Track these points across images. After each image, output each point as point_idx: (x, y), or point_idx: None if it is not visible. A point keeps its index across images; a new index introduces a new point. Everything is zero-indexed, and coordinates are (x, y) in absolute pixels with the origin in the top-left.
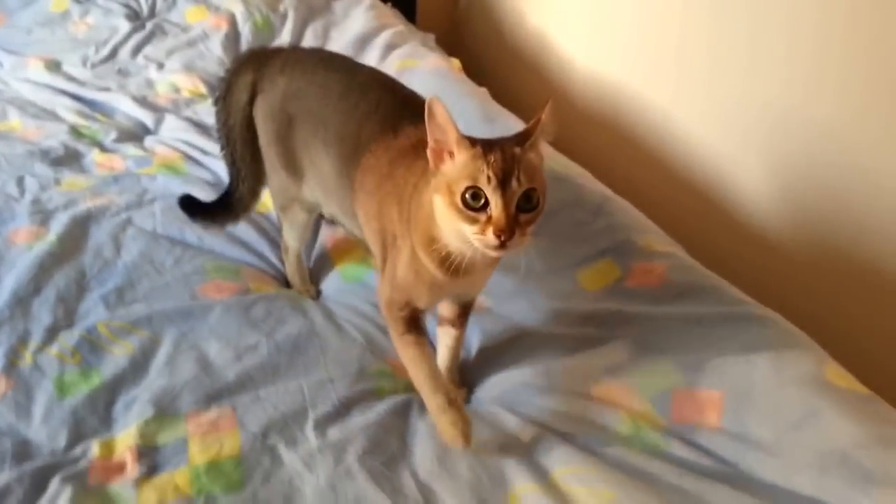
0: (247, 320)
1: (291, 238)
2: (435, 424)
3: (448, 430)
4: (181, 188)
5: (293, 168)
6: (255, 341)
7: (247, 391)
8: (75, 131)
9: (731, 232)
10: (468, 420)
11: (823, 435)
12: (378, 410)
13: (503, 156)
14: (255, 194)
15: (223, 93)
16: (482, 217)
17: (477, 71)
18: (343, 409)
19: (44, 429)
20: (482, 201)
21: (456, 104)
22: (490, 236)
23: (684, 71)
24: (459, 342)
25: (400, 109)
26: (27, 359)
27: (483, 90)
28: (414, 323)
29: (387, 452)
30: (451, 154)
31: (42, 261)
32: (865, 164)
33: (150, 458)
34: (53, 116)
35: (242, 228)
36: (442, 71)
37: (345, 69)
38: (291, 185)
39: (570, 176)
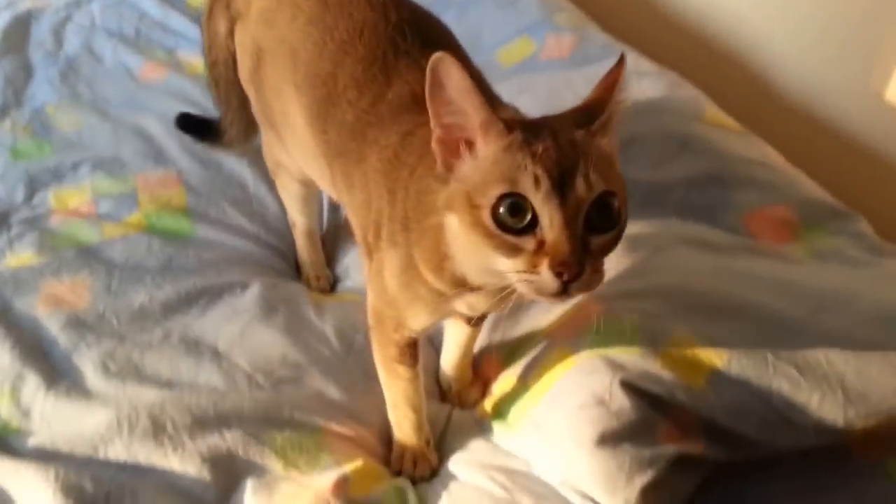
0: (184, 97)
1: (293, 211)
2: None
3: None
4: None
5: (270, 122)
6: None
7: (191, 159)
8: None
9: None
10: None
11: (689, 165)
12: None
13: (557, 143)
14: (247, 138)
15: (206, 15)
16: (528, 244)
17: None
18: None
19: (1, 187)
20: (528, 218)
21: None
22: (546, 275)
23: None
24: (473, 339)
25: (396, 38)
26: None
27: None
28: (409, 350)
29: None
30: (471, 146)
31: None
32: None
33: (104, 206)
34: None
35: None
36: None
37: None
38: (274, 143)
39: None
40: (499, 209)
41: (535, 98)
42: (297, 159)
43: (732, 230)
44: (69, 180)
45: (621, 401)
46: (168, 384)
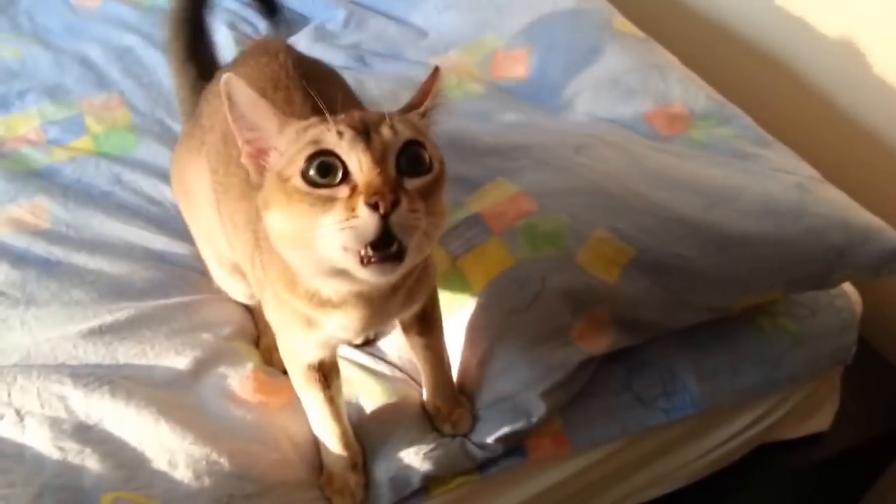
0: (122, 24)
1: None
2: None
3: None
4: None
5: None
6: (131, 43)
7: (133, 81)
8: None
9: None
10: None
11: (602, 66)
12: None
13: (359, 113)
14: None
15: None
16: (342, 192)
17: None
18: None
19: None
20: (339, 175)
21: None
22: (363, 213)
23: None
24: (437, 350)
25: (279, 74)
26: None
27: None
28: (313, 374)
29: None
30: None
31: None
32: None
33: (53, 132)
34: None
35: None
36: None
37: None
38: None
39: None
40: (308, 171)
41: None
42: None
43: (637, 127)
44: (17, 108)
45: (548, 307)
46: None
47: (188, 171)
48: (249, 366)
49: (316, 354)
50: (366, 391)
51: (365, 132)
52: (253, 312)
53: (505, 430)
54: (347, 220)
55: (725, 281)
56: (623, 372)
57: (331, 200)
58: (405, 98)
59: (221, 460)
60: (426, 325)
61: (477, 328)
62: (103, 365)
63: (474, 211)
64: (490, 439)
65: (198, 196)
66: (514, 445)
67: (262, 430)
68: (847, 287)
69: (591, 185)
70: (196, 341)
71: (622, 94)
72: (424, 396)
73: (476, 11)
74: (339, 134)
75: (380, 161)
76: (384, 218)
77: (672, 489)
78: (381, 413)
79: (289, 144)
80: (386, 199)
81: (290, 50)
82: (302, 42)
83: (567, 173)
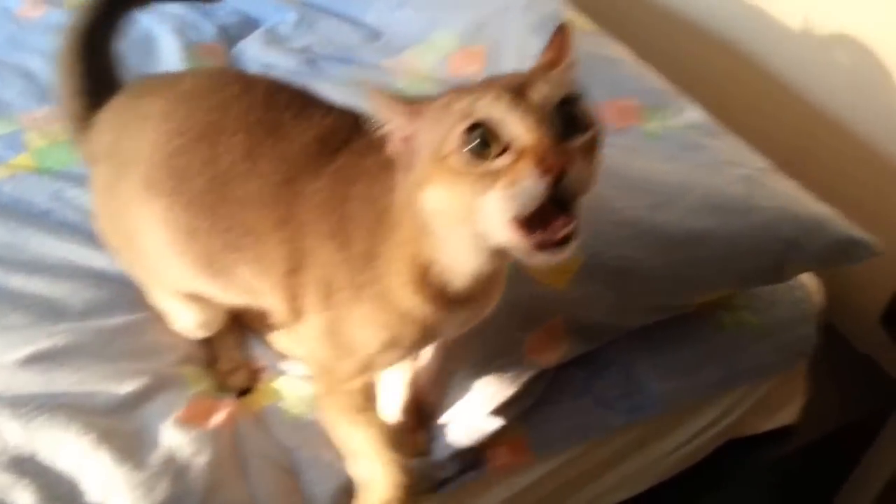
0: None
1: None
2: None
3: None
4: None
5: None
6: None
7: None
8: None
9: None
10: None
11: None
12: None
13: (504, 77)
14: None
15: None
16: (507, 160)
17: None
18: None
19: None
20: (500, 144)
21: None
22: (530, 179)
23: None
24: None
25: (270, 99)
26: None
27: None
28: (369, 393)
29: None
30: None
31: None
32: None
33: None
34: None
35: None
36: None
37: None
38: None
39: None
40: (467, 145)
41: None
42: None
43: None
44: None
45: (497, 323)
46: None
47: (126, 214)
48: (195, 391)
49: (397, 362)
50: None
51: (520, 92)
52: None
53: (459, 447)
54: (515, 186)
55: (675, 281)
56: (583, 375)
57: (495, 173)
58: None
59: (160, 485)
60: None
61: (427, 348)
62: (41, 394)
63: None
64: (445, 457)
65: (145, 233)
66: (471, 461)
67: (204, 453)
68: (805, 278)
69: None
70: (140, 367)
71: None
72: (392, 420)
73: (429, 9)
74: (496, 98)
75: (543, 120)
76: (557, 181)
77: (643, 488)
78: None
79: (433, 125)
80: (557, 161)
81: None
82: (252, 47)
83: None
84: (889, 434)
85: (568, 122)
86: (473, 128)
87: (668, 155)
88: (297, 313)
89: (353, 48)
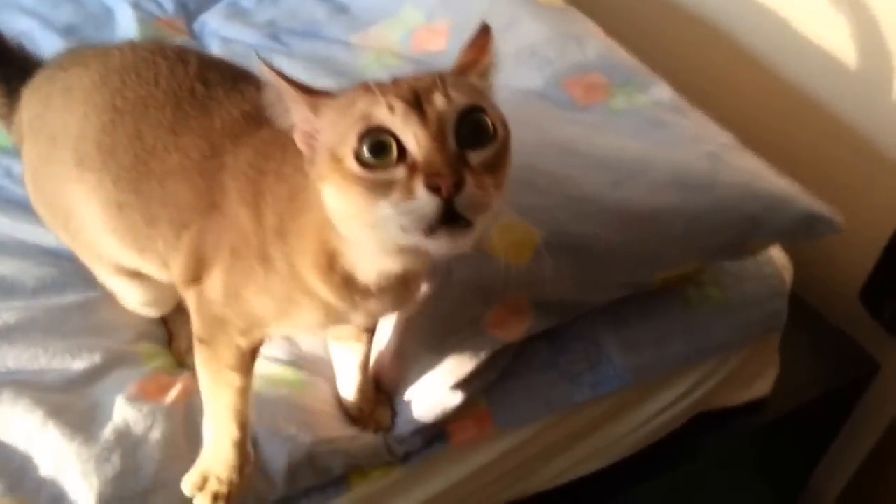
0: (18, 7)
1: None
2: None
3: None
4: None
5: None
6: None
7: None
8: None
9: None
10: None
11: (520, 37)
12: None
13: (407, 79)
14: None
15: None
16: (400, 173)
17: None
18: None
19: None
20: (394, 152)
21: None
22: (423, 196)
23: None
24: (368, 354)
25: (203, 74)
26: None
27: None
28: (250, 355)
29: None
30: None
31: None
32: None
33: None
34: None
35: None
36: None
37: None
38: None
39: None
40: (361, 151)
41: None
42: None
43: (554, 97)
44: None
45: (457, 297)
46: None
47: (60, 191)
48: (150, 367)
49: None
50: (283, 380)
51: (417, 103)
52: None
53: (421, 423)
54: (406, 199)
55: (637, 257)
56: (547, 349)
57: (388, 183)
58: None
59: (112, 459)
60: (371, 334)
61: (387, 322)
62: None
63: None
64: (407, 432)
65: (80, 210)
66: (434, 435)
67: (157, 428)
68: (775, 253)
69: None
70: (93, 344)
71: (539, 64)
72: (349, 398)
73: None
74: (391, 107)
75: (437, 135)
76: (447, 201)
77: (613, 461)
78: (300, 402)
79: (335, 121)
80: (447, 180)
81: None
82: (213, 21)
83: None
84: (867, 407)
85: (472, 132)
86: (369, 133)
87: (634, 131)
88: (197, 276)
89: (318, 23)
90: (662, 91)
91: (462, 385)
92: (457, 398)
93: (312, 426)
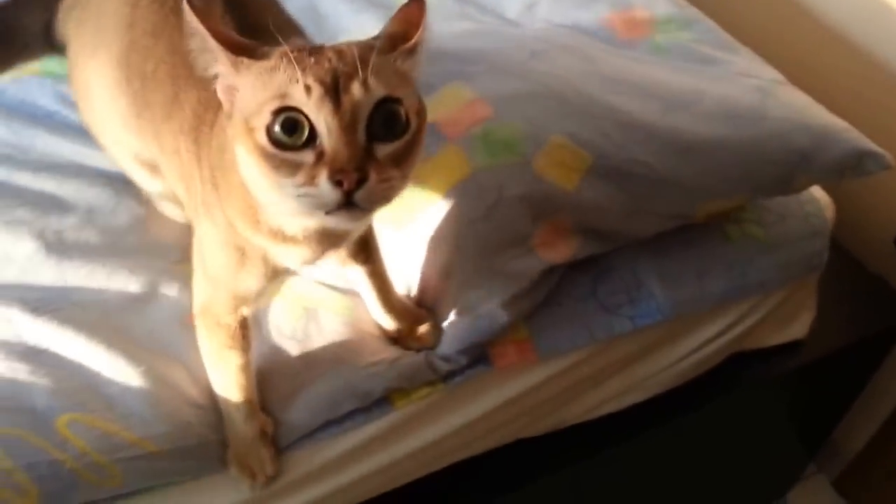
0: None
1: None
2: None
3: (252, 464)
4: None
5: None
6: None
7: None
8: None
9: None
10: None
11: None
12: None
13: (336, 56)
14: None
15: None
16: (307, 158)
17: None
18: None
19: None
20: (305, 134)
21: None
22: (325, 186)
23: None
24: (382, 274)
25: None
26: None
27: None
28: (241, 332)
29: None
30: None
31: None
32: None
33: None
34: None
35: None
36: None
37: None
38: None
39: None
40: (273, 127)
41: None
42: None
43: (596, 33)
44: None
45: (507, 215)
46: None
47: (91, 93)
48: None
49: (257, 293)
50: (329, 305)
51: (335, 88)
52: None
53: (468, 341)
54: (308, 188)
55: (685, 186)
56: (588, 280)
57: (295, 165)
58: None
59: (182, 386)
60: (368, 252)
61: (436, 240)
62: (53, 287)
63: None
64: (453, 351)
65: (95, 90)
66: (478, 356)
67: None
68: (817, 192)
69: (546, 91)
70: (147, 263)
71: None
72: (383, 324)
73: None
74: (307, 90)
75: (348, 127)
76: (348, 194)
77: (646, 397)
78: (344, 327)
79: (253, 88)
80: (350, 177)
81: None
82: None
83: (522, 79)
84: None
85: (385, 124)
86: (284, 111)
87: (679, 67)
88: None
89: None
90: (707, 27)
91: (511, 304)
92: (505, 317)
93: (356, 350)
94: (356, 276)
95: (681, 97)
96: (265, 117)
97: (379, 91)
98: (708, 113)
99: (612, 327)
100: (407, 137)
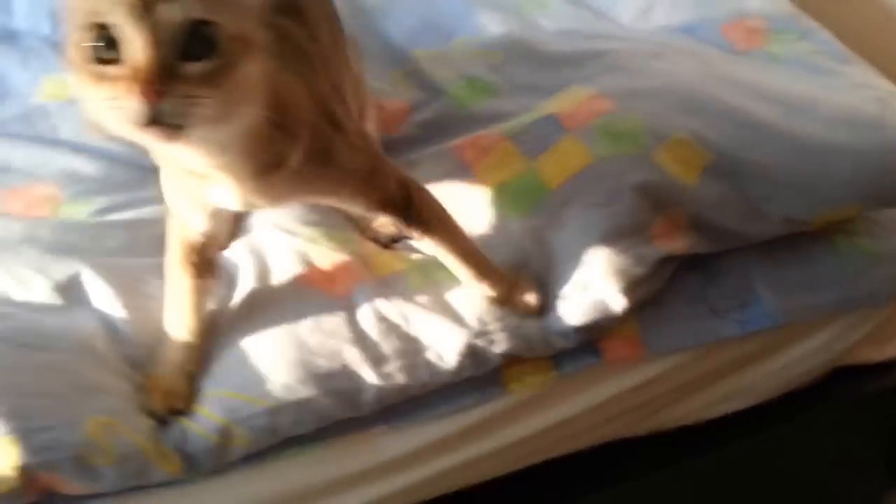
0: None
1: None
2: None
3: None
4: None
5: None
6: None
7: None
8: None
9: None
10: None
11: None
12: None
13: None
14: None
15: None
16: (116, 71)
17: None
18: None
19: None
20: (115, 48)
21: None
22: (128, 97)
23: None
24: (452, 244)
25: None
26: None
27: None
28: (193, 256)
29: None
30: None
31: None
32: None
33: None
34: None
35: None
36: None
37: None
38: None
39: None
40: (84, 41)
41: None
42: None
43: (712, 40)
44: None
45: (627, 202)
46: None
47: None
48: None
49: (202, 224)
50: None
51: (146, 7)
52: None
53: (586, 318)
54: (114, 101)
55: (803, 190)
56: (699, 281)
57: (103, 77)
58: None
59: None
60: (417, 223)
61: (555, 222)
62: None
63: (548, 112)
64: (571, 327)
65: None
66: (591, 339)
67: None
68: None
69: (668, 88)
70: None
71: (698, 5)
72: (477, 291)
73: None
74: (119, 6)
75: (154, 43)
76: (150, 103)
77: (744, 406)
78: (466, 291)
79: (78, 7)
80: (148, 89)
81: None
82: None
83: (644, 77)
84: None
85: (196, 44)
86: (94, 27)
87: (796, 76)
88: None
89: None
90: (824, 38)
91: (628, 289)
92: (622, 302)
93: (476, 314)
94: (427, 248)
95: (800, 102)
96: (79, 32)
97: (191, 12)
98: (828, 119)
99: (720, 330)
100: (219, 60)
